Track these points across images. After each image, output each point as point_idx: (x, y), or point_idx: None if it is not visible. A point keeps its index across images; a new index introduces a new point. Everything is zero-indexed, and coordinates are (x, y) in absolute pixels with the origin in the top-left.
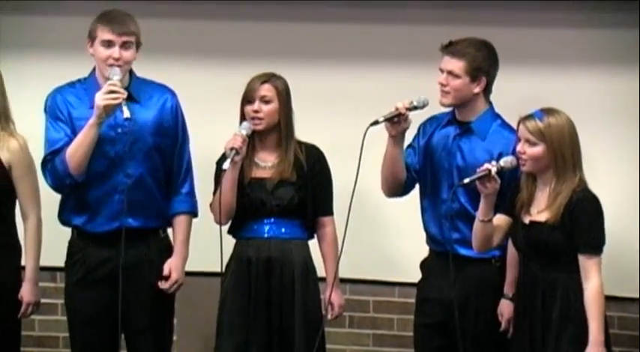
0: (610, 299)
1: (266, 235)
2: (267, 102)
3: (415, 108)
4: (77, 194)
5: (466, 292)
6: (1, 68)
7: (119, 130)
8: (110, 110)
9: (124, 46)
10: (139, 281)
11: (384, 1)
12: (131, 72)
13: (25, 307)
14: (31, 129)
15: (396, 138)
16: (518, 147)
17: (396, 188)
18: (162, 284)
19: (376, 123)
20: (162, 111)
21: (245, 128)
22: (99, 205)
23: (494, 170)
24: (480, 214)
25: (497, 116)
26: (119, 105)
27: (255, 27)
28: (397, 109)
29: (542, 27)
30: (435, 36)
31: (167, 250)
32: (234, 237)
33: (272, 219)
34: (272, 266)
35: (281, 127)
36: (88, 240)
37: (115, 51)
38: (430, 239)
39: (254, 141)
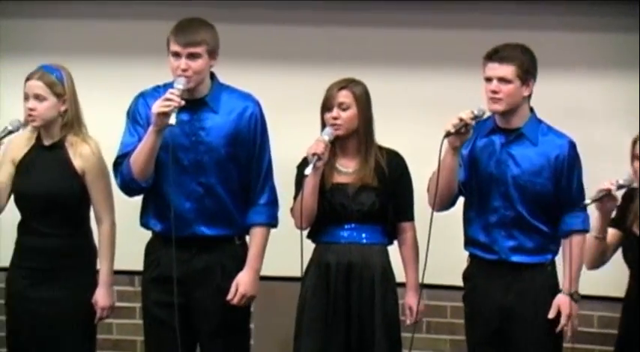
0: None
1: (346, 240)
2: (345, 108)
3: (476, 117)
4: (155, 199)
5: (522, 298)
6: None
7: (193, 139)
8: (165, 118)
9: (191, 56)
10: (210, 285)
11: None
12: (214, 80)
13: (99, 311)
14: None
15: (457, 149)
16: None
17: (448, 200)
18: (231, 298)
19: (449, 135)
20: (239, 121)
21: (327, 134)
22: (174, 212)
23: (614, 189)
24: (596, 231)
25: (541, 120)
26: (176, 111)
27: (336, 32)
28: (462, 120)
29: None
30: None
31: (242, 257)
32: (313, 241)
33: (352, 225)
34: (352, 272)
35: (361, 133)
36: (164, 243)
37: (182, 62)
38: (479, 248)
39: (335, 146)
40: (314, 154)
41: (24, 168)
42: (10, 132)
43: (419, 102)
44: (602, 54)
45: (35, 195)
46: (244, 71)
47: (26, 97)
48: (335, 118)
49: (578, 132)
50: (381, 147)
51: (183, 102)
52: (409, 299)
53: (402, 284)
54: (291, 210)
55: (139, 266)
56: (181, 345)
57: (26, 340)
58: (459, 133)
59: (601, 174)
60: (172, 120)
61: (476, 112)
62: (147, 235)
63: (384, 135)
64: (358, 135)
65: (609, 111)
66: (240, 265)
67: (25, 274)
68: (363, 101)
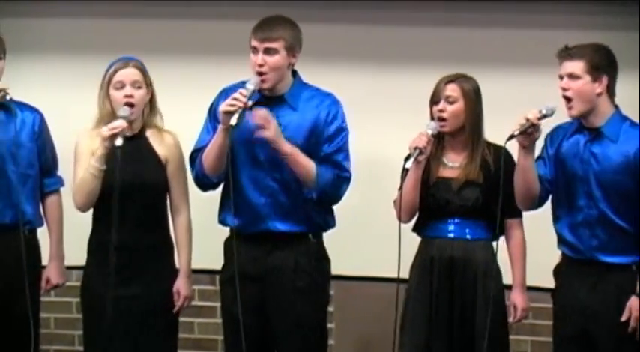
0: None
1: (450, 235)
2: (451, 102)
3: (544, 116)
4: (230, 195)
5: (607, 299)
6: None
7: None
8: (228, 117)
9: (268, 52)
10: (284, 284)
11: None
12: (296, 78)
13: (182, 300)
14: None
15: (527, 149)
16: None
17: (530, 200)
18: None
19: (512, 137)
20: (317, 120)
21: (431, 128)
22: (249, 207)
23: (537, 120)
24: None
25: (626, 118)
26: (240, 111)
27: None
28: (529, 120)
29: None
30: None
31: (316, 255)
32: (418, 235)
33: (456, 220)
34: (455, 266)
35: (468, 128)
36: (240, 240)
37: (259, 57)
38: (566, 246)
39: (443, 140)
40: (416, 148)
41: (108, 160)
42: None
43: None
44: None
45: (128, 186)
46: (329, 70)
47: (122, 85)
48: (441, 111)
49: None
50: (488, 143)
51: (250, 103)
52: (514, 298)
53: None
54: (394, 202)
55: (219, 265)
56: (258, 344)
57: (121, 340)
58: (526, 134)
59: None
60: (233, 120)
61: (544, 111)
62: (224, 234)
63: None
64: (466, 130)
65: None
66: (313, 263)
67: (109, 272)
68: (472, 96)
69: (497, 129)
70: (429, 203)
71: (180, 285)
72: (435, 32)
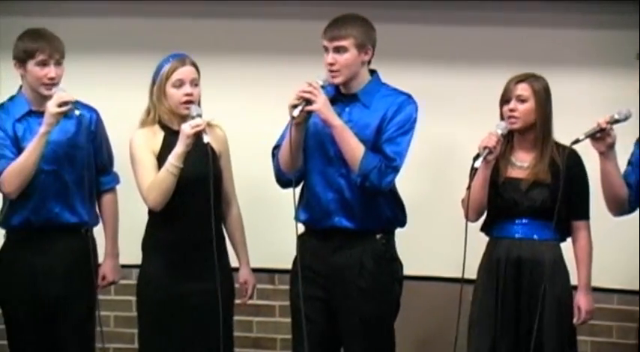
0: None
1: (517, 235)
2: (522, 101)
3: (617, 121)
4: (304, 190)
5: None
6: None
7: None
8: (292, 110)
9: (337, 50)
10: (347, 283)
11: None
12: (373, 76)
13: (251, 288)
14: None
15: (605, 154)
16: None
17: (618, 205)
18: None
19: (577, 141)
20: (384, 116)
21: (501, 127)
22: (318, 202)
23: (607, 126)
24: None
25: None
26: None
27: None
28: (598, 125)
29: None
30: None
31: (382, 253)
32: (486, 235)
33: (524, 220)
34: (521, 267)
35: (538, 127)
36: (310, 236)
37: (329, 56)
38: None
39: (512, 140)
40: (485, 147)
41: (167, 157)
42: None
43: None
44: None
45: (191, 181)
46: (401, 69)
47: (181, 84)
48: (512, 110)
49: (577, 130)
50: (558, 144)
51: (314, 98)
52: (578, 299)
53: None
54: (462, 201)
55: (278, 264)
56: (326, 341)
57: (179, 336)
58: (596, 138)
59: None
60: (295, 112)
61: (616, 116)
62: (283, 233)
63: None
64: (535, 130)
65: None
66: (379, 263)
67: (172, 269)
68: (542, 96)
69: (571, 131)
70: (496, 203)
71: (247, 275)
72: (505, 32)
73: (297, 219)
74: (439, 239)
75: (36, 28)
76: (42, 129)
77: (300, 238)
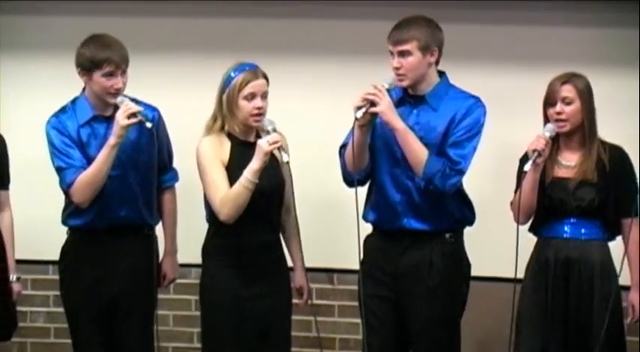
0: None
1: (565, 235)
2: (568, 103)
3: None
4: (373, 191)
5: None
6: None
7: None
8: (356, 112)
9: (402, 54)
10: (416, 282)
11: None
12: (442, 78)
13: (307, 294)
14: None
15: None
16: None
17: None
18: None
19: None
20: (451, 121)
21: (549, 130)
22: (387, 203)
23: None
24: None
25: None
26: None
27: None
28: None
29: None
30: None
31: (452, 253)
32: (534, 235)
33: (572, 220)
34: (570, 267)
35: (585, 127)
36: (378, 236)
37: (395, 61)
38: None
39: (558, 140)
40: (534, 150)
41: (236, 167)
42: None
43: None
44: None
45: (259, 190)
46: (468, 70)
47: (253, 97)
48: (559, 113)
49: None
50: (603, 142)
51: (378, 100)
52: (632, 297)
53: None
54: (511, 203)
55: (337, 264)
56: (394, 341)
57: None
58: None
59: None
60: (359, 114)
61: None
62: (343, 233)
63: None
64: (582, 130)
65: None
66: (448, 263)
67: (235, 273)
68: (586, 95)
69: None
70: (544, 203)
71: (301, 280)
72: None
73: (365, 219)
74: (493, 240)
75: (100, 35)
76: (111, 140)
77: (368, 238)
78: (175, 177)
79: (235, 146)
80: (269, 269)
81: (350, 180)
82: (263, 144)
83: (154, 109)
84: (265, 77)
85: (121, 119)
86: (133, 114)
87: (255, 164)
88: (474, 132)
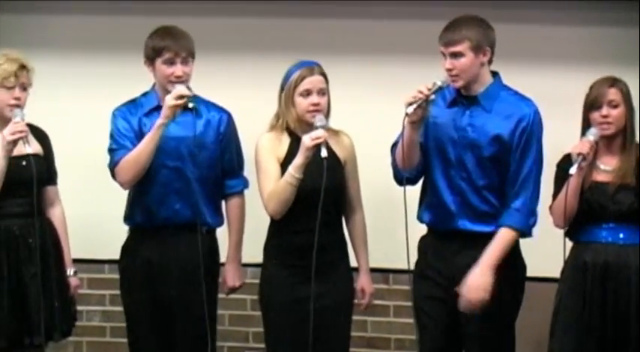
0: None
1: (603, 240)
2: (615, 106)
3: (440, 88)
4: (427, 192)
5: None
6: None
7: (460, 133)
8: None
9: (454, 56)
10: None
11: None
12: (495, 78)
13: (369, 298)
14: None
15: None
16: None
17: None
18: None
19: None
20: (506, 124)
21: (593, 134)
22: (441, 205)
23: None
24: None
25: None
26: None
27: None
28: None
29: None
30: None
31: (506, 257)
32: (571, 240)
33: (610, 224)
34: (607, 272)
35: (626, 131)
36: (432, 237)
37: (447, 62)
38: None
39: (597, 144)
40: (579, 154)
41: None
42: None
43: None
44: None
45: (312, 188)
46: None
47: (308, 93)
48: (605, 117)
49: (577, 126)
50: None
51: (432, 97)
52: None
53: None
54: (550, 208)
55: (392, 264)
56: (448, 341)
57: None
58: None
59: None
60: (409, 109)
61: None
62: (397, 233)
63: None
64: (624, 133)
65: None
66: (502, 262)
67: (292, 273)
68: (630, 98)
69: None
70: (582, 207)
71: (365, 282)
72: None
73: (420, 219)
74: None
75: (166, 26)
76: (158, 121)
77: (423, 239)
78: (243, 183)
79: (293, 142)
80: (328, 270)
81: (400, 179)
82: (306, 140)
83: (224, 111)
84: (323, 74)
85: (168, 99)
86: (182, 97)
87: (298, 159)
88: (538, 165)
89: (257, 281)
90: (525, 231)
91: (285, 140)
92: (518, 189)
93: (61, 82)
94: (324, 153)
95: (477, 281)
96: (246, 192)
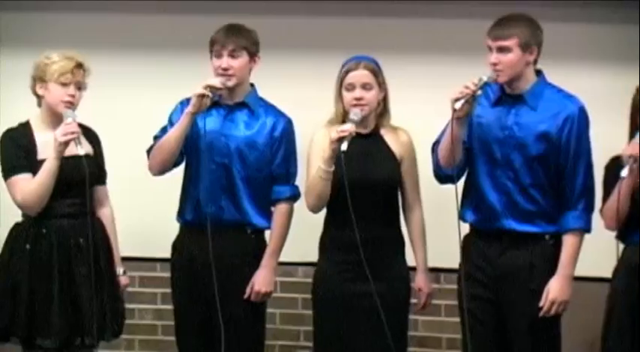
0: None
1: None
2: None
3: (486, 83)
4: (471, 191)
5: None
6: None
7: (506, 132)
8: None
9: (501, 50)
10: (519, 284)
11: None
12: (539, 76)
13: (425, 297)
14: None
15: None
16: None
17: None
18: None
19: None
20: (553, 122)
21: None
22: (486, 204)
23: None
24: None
25: None
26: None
27: None
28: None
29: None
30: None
31: (552, 256)
32: (622, 242)
33: None
34: None
35: None
36: (477, 237)
37: (493, 56)
38: None
39: None
40: (630, 156)
41: (344, 158)
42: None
43: None
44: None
45: (362, 183)
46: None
47: (351, 88)
48: None
49: None
50: None
51: (479, 93)
52: None
53: None
54: (600, 211)
55: (444, 263)
56: (494, 341)
57: (355, 336)
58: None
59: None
60: (457, 105)
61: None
62: (449, 232)
63: None
64: None
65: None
66: (548, 262)
67: (342, 269)
68: None
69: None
70: (633, 209)
71: (422, 282)
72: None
73: (463, 219)
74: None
75: (230, 23)
76: (186, 109)
77: (467, 239)
78: (291, 191)
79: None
80: (379, 266)
81: (443, 176)
82: (332, 134)
83: (282, 116)
84: (371, 69)
85: (197, 89)
86: (207, 87)
87: (326, 153)
88: (590, 160)
89: (308, 280)
90: (590, 230)
91: None
92: (579, 190)
93: (108, 82)
94: (344, 146)
95: (561, 297)
96: None
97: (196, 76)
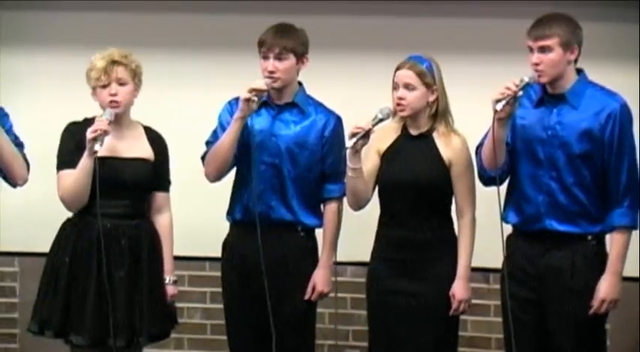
0: None
1: None
2: None
3: (381, 120)
4: (514, 192)
5: None
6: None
7: (549, 132)
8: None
9: (542, 50)
10: (559, 284)
11: None
12: (580, 75)
13: (457, 304)
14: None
15: None
16: None
17: None
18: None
19: None
20: (595, 120)
21: None
22: (529, 205)
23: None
24: None
25: None
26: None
27: None
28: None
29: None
30: None
31: (594, 257)
32: None
33: None
34: None
35: None
36: (520, 237)
37: (534, 56)
38: None
39: None
40: None
41: (390, 157)
42: (381, 121)
43: None
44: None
45: (401, 183)
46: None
47: (396, 87)
48: None
49: None
50: None
51: (520, 93)
52: None
53: None
54: None
55: (492, 263)
56: (536, 342)
57: (396, 334)
58: None
59: None
60: (499, 106)
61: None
62: (496, 232)
63: None
64: None
65: None
66: (591, 263)
67: (388, 266)
68: None
69: None
70: None
71: (457, 288)
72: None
73: (505, 220)
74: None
75: (280, 23)
76: (236, 114)
77: (510, 239)
78: (343, 189)
79: (401, 136)
80: (424, 268)
81: (487, 178)
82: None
83: (332, 114)
84: (414, 70)
85: (243, 92)
86: (254, 90)
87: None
88: (634, 157)
89: (357, 279)
90: (637, 226)
91: (395, 134)
92: (623, 187)
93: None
94: (348, 143)
95: (611, 295)
96: None
97: (246, 75)
